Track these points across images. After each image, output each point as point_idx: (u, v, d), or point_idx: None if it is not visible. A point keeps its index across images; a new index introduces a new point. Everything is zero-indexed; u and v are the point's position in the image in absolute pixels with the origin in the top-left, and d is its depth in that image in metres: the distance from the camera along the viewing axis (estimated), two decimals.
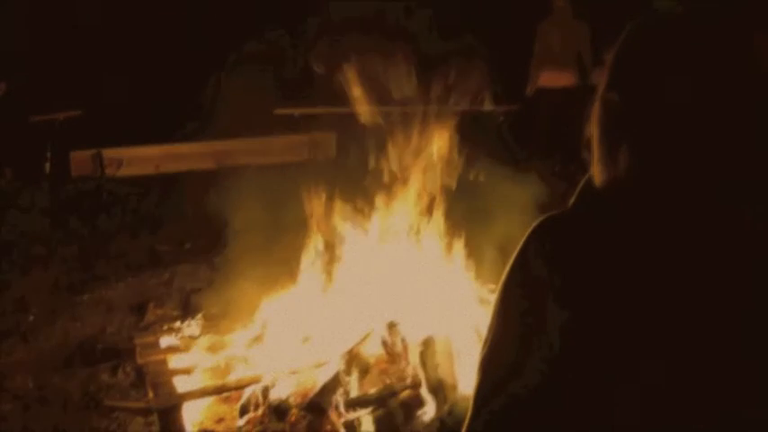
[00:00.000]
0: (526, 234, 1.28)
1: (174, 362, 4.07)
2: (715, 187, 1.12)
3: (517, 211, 4.20)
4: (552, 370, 1.16)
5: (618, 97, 1.18)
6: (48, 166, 7.32)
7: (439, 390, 3.57)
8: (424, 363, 3.72)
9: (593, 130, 1.24)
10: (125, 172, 6.84)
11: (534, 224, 1.28)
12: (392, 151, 4.28)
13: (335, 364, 3.77)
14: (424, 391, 3.60)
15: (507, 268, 1.28)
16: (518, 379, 1.19)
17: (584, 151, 1.27)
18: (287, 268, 4.42)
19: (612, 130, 1.20)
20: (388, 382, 3.78)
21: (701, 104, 1.11)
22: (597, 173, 1.23)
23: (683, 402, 1.11)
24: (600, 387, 1.14)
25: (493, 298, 1.32)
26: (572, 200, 1.28)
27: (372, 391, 3.68)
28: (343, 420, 3.46)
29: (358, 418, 3.45)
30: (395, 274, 4.25)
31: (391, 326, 3.99)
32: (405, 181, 4.29)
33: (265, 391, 3.66)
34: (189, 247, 6.16)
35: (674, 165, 1.14)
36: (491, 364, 1.25)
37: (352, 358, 3.81)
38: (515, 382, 1.19)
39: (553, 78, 8.50)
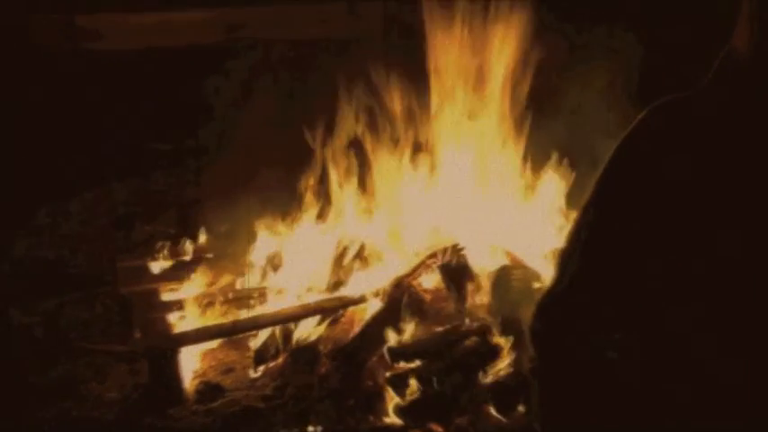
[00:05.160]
0: (638, 118, 1.46)
1: (168, 293, 4.02)
2: None
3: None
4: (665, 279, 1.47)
5: None
6: None
7: (517, 335, 3.43)
8: (496, 300, 3.69)
9: None
10: (106, 45, 6.35)
11: (650, 107, 1.45)
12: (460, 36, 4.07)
13: (379, 301, 3.73)
14: (498, 338, 3.49)
15: (609, 157, 1.50)
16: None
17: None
18: (316, 175, 4.25)
19: None
20: (448, 325, 3.66)
21: None
22: (745, 38, 1.40)
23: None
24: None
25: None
26: (706, 79, 1.45)
27: (428, 336, 3.60)
28: (389, 374, 3.38)
29: (408, 372, 3.36)
30: (457, 187, 4.16)
31: (454, 251, 3.88)
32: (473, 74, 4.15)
33: (287, 333, 3.64)
34: (190, 146, 5.91)
35: None
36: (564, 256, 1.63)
37: (402, 293, 3.74)
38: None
39: None
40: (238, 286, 4.06)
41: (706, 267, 1.41)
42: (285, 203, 4.31)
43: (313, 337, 3.67)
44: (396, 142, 4.21)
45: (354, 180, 4.26)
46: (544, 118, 4.24)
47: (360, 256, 4.03)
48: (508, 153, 4.20)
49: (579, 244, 1.59)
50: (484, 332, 3.55)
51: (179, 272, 4.25)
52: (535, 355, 1.67)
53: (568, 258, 1.62)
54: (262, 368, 3.57)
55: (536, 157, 4.22)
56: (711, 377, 1.44)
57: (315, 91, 4.25)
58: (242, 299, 3.92)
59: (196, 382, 3.49)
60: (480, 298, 3.76)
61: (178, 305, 3.89)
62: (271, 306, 3.85)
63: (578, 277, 1.58)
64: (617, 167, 1.51)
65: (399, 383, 3.34)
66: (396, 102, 4.17)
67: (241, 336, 3.72)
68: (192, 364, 3.61)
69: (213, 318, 3.85)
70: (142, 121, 5.95)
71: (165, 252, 4.39)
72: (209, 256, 4.37)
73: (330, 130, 4.19)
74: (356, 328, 3.65)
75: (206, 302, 3.93)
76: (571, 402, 1.64)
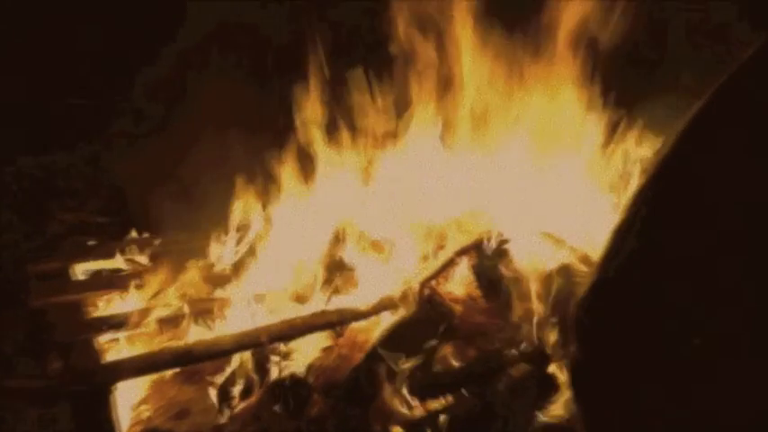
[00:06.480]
0: (756, 47, 1.38)
1: (98, 307, 3.66)
2: None
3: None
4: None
5: None
6: None
7: None
8: (555, 312, 3.33)
9: None
10: None
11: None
12: None
13: (390, 315, 3.39)
14: (556, 363, 3.19)
15: (706, 97, 1.44)
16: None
17: None
18: (296, 140, 3.96)
19: None
20: (488, 347, 3.33)
21: None
22: None
23: None
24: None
25: None
26: None
27: (460, 363, 3.25)
28: (406, 412, 3.05)
29: (434, 413, 3.05)
30: (499, 157, 3.95)
31: (494, 244, 3.61)
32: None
33: (263, 361, 3.28)
34: (124, 103, 5.61)
35: None
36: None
37: (423, 303, 3.38)
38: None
39: None
40: (195, 296, 3.63)
41: None
42: (258, 181, 4.02)
43: (300, 366, 3.25)
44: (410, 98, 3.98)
45: (354, 147, 4.04)
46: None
47: (362, 251, 3.69)
48: (570, 113, 3.95)
49: (639, 218, 1.51)
50: (537, 356, 3.24)
51: (112, 277, 3.90)
52: (578, 351, 1.61)
53: (624, 236, 1.54)
54: (229, 410, 3.13)
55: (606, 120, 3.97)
56: None
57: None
58: (201, 313, 3.47)
59: (138, 429, 3.04)
60: (531, 309, 3.36)
61: (112, 323, 3.42)
62: (241, 323, 3.40)
63: (635, 260, 1.49)
64: (713, 114, 1.40)
65: (422, 429, 3.01)
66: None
67: (200, 365, 3.23)
68: (131, 404, 3.17)
69: (160, 340, 3.45)
70: (53, 65, 5.60)
71: (94, 250, 4.13)
72: (154, 253, 4.07)
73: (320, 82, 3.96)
74: (359, 354, 3.24)
75: (150, 319, 3.51)
76: (620, 409, 1.56)
